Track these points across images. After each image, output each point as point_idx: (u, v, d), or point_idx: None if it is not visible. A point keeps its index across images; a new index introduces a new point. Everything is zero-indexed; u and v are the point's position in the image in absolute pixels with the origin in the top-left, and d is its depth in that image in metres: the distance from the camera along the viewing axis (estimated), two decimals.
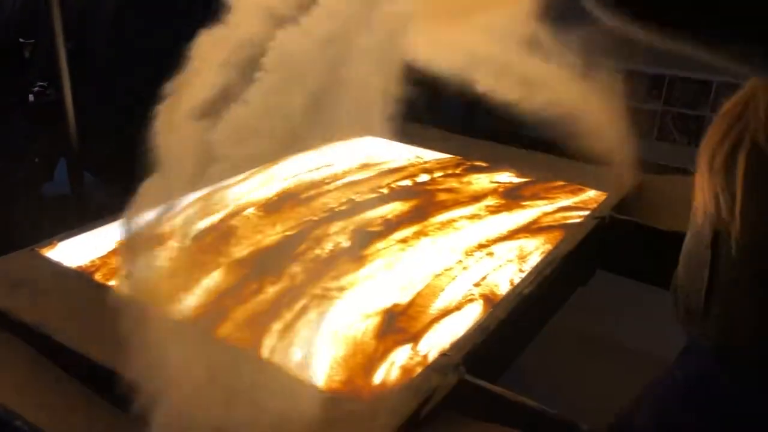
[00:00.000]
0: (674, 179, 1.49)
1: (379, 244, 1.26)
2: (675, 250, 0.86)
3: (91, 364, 0.90)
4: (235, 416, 0.80)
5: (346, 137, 1.77)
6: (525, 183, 1.54)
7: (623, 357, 1.73)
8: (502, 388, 0.90)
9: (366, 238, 1.27)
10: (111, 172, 2.22)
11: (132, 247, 0.85)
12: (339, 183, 1.52)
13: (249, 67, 0.81)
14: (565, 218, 1.38)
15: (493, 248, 1.27)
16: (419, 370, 0.93)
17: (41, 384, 0.92)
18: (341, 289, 1.12)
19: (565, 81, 1.23)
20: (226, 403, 0.82)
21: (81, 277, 1.14)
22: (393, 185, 1.52)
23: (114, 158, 2.18)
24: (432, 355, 0.97)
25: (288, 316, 1.04)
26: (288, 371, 0.92)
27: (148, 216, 0.87)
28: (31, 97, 1.99)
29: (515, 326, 1.05)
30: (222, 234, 1.29)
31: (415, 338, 1.01)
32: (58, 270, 1.15)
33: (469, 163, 1.64)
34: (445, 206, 1.41)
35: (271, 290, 1.10)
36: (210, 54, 0.86)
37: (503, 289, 1.14)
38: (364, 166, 1.61)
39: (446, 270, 1.20)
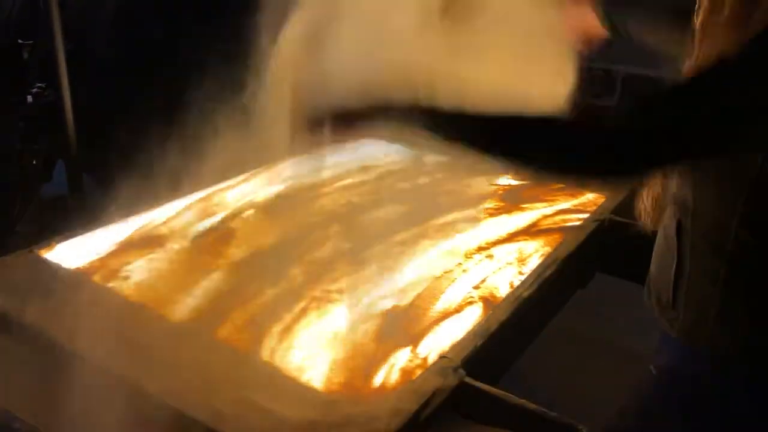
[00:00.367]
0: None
1: (379, 247, 1.26)
2: None
3: (89, 365, 0.90)
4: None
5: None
6: (524, 186, 1.54)
7: (622, 359, 1.73)
8: (502, 391, 0.90)
9: (365, 241, 1.27)
10: (109, 173, 2.22)
11: None
12: (338, 185, 1.52)
13: None
14: (564, 221, 1.38)
15: (493, 251, 1.27)
16: (419, 372, 0.93)
17: (38, 386, 0.92)
18: (340, 291, 1.12)
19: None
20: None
21: (79, 279, 1.14)
22: (393, 188, 1.52)
23: (112, 160, 2.18)
24: (432, 358, 0.97)
25: (288, 318, 1.04)
26: (288, 373, 0.91)
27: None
28: (29, 98, 1.99)
29: (515, 329, 1.05)
30: (222, 235, 1.29)
31: (414, 341, 1.01)
32: (56, 271, 1.15)
33: (468, 165, 1.64)
34: (444, 209, 1.41)
35: (270, 292, 1.10)
36: None
37: (503, 291, 1.14)
38: (364, 169, 1.61)
39: (446, 272, 1.19)
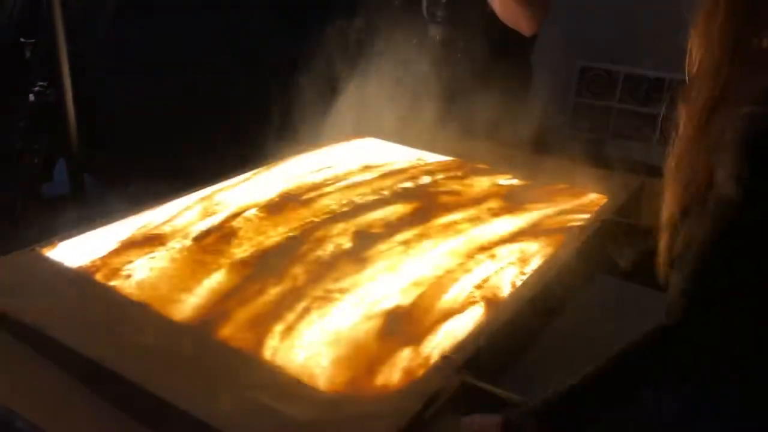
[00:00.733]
0: None
1: (381, 246, 1.26)
2: None
3: (90, 364, 0.90)
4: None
5: (348, 138, 1.78)
6: (526, 186, 1.54)
7: None
8: (505, 391, 0.89)
9: (367, 240, 1.27)
10: (111, 173, 2.22)
11: None
12: (341, 185, 1.52)
13: None
14: (567, 221, 1.38)
15: (495, 251, 1.27)
16: (421, 372, 0.93)
17: (41, 384, 0.91)
18: (343, 290, 1.12)
19: None
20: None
21: (81, 277, 1.14)
22: (395, 187, 1.52)
23: (113, 159, 2.18)
24: (434, 357, 0.96)
25: (290, 317, 1.04)
26: (290, 373, 0.91)
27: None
28: (31, 97, 1.99)
29: (517, 328, 1.05)
30: (224, 235, 1.28)
31: (417, 340, 1.01)
32: (58, 270, 1.15)
33: (470, 165, 1.64)
34: (447, 208, 1.41)
35: (273, 291, 1.10)
36: None
37: (505, 291, 1.14)
38: (366, 168, 1.61)
39: (448, 272, 1.19)
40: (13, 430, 0.83)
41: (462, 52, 1.91)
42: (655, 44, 2.75)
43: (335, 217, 1.36)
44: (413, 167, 1.63)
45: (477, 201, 1.46)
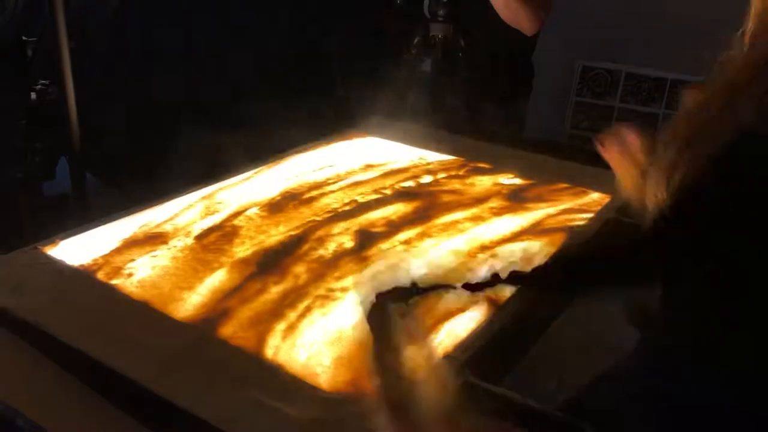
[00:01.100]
0: None
1: (383, 245, 1.25)
2: None
3: (92, 363, 0.90)
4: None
5: (349, 137, 1.78)
6: (528, 185, 1.54)
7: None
8: (507, 390, 0.89)
9: (369, 239, 1.27)
10: (112, 171, 2.22)
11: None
12: (342, 183, 1.52)
13: None
14: (569, 220, 1.38)
15: (497, 250, 1.26)
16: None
17: (42, 383, 0.91)
18: (344, 289, 1.12)
19: None
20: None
21: (83, 276, 1.14)
22: (396, 186, 1.51)
23: (115, 158, 2.18)
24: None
25: (292, 316, 1.04)
26: (292, 372, 0.91)
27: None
28: (32, 96, 1.99)
29: (519, 328, 1.05)
30: (225, 233, 1.28)
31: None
32: (60, 268, 1.15)
33: (472, 164, 1.64)
34: (448, 208, 1.41)
35: (274, 290, 1.10)
36: None
37: (507, 290, 1.14)
38: (367, 167, 1.61)
39: (450, 271, 1.19)
40: (13, 428, 0.83)
41: (463, 51, 1.91)
42: (657, 44, 2.76)
43: (337, 216, 1.36)
44: (415, 166, 1.63)
45: (479, 200, 1.45)
